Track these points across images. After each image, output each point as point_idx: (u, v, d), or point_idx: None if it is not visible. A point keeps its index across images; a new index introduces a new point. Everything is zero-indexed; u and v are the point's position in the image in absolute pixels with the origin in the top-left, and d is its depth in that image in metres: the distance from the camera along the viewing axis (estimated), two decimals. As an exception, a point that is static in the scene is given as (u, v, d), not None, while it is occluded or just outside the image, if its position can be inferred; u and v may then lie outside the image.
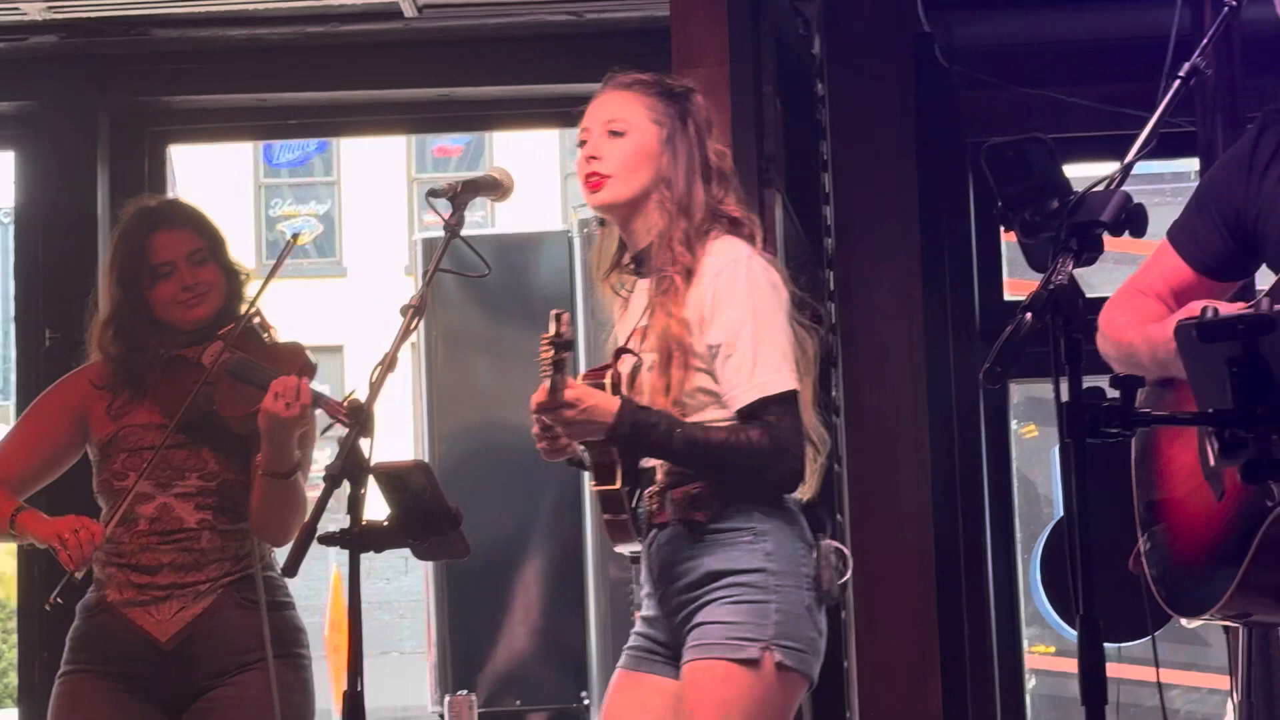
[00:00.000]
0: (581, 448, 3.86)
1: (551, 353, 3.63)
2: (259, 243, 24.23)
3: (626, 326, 3.93)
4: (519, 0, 6.06)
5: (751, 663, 3.71)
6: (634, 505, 3.84)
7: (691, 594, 3.77)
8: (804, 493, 3.89)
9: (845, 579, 3.88)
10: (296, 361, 4.36)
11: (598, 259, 4.05)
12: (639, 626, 3.93)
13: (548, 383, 3.64)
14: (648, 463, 3.83)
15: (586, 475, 4.00)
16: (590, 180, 3.87)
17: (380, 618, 19.97)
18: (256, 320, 4.49)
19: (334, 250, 24.55)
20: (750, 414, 3.74)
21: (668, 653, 3.85)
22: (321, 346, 23.29)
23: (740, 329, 3.76)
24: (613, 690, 3.92)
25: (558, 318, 3.62)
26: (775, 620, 3.73)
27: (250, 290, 4.59)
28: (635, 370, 3.81)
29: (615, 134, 3.89)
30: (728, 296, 3.78)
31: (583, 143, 3.91)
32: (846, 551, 3.89)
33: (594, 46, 6.12)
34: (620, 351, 3.89)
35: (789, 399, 3.77)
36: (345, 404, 3.88)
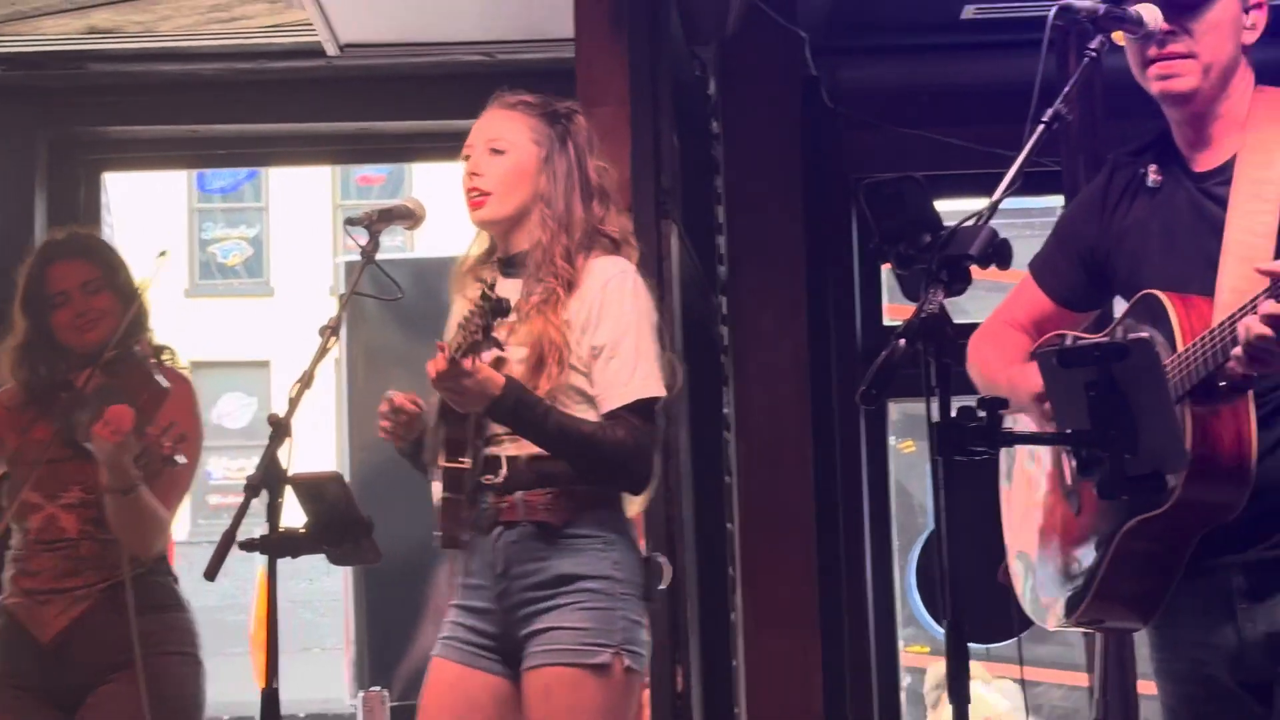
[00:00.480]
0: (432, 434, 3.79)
1: (482, 319, 3.52)
2: (192, 264, 24.06)
3: None
4: (435, 42, 6.03)
5: (603, 667, 3.67)
6: (474, 494, 3.74)
7: (539, 594, 3.70)
8: (641, 504, 3.87)
9: (663, 588, 3.87)
10: (144, 390, 4.38)
11: (465, 257, 3.99)
12: (460, 618, 3.79)
13: (443, 354, 3.55)
14: (496, 450, 3.75)
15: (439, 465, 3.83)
16: (472, 197, 3.84)
17: (303, 616, 19.77)
18: (137, 348, 4.56)
19: (262, 271, 24.40)
20: (619, 415, 3.72)
21: (497, 647, 3.75)
22: (250, 361, 23.19)
23: (624, 336, 3.74)
24: (437, 684, 3.80)
25: (491, 286, 3.58)
26: (621, 627, 3.70)
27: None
28: (499, 364, 3.71)
29: (496, 152, 3.85)
30: (615, 305, 3.76)
31: (467, 157, 3.88)
32: (667, 565, 3.87)
33: (506, 85, 6.05)
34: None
35: (655, 407, 3.76)
36: (164, 432, 4.12)
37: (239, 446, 22.63)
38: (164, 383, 4.43)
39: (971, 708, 2.58)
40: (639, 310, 3.79)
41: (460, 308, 3.87)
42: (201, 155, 7.13)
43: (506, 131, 3.88)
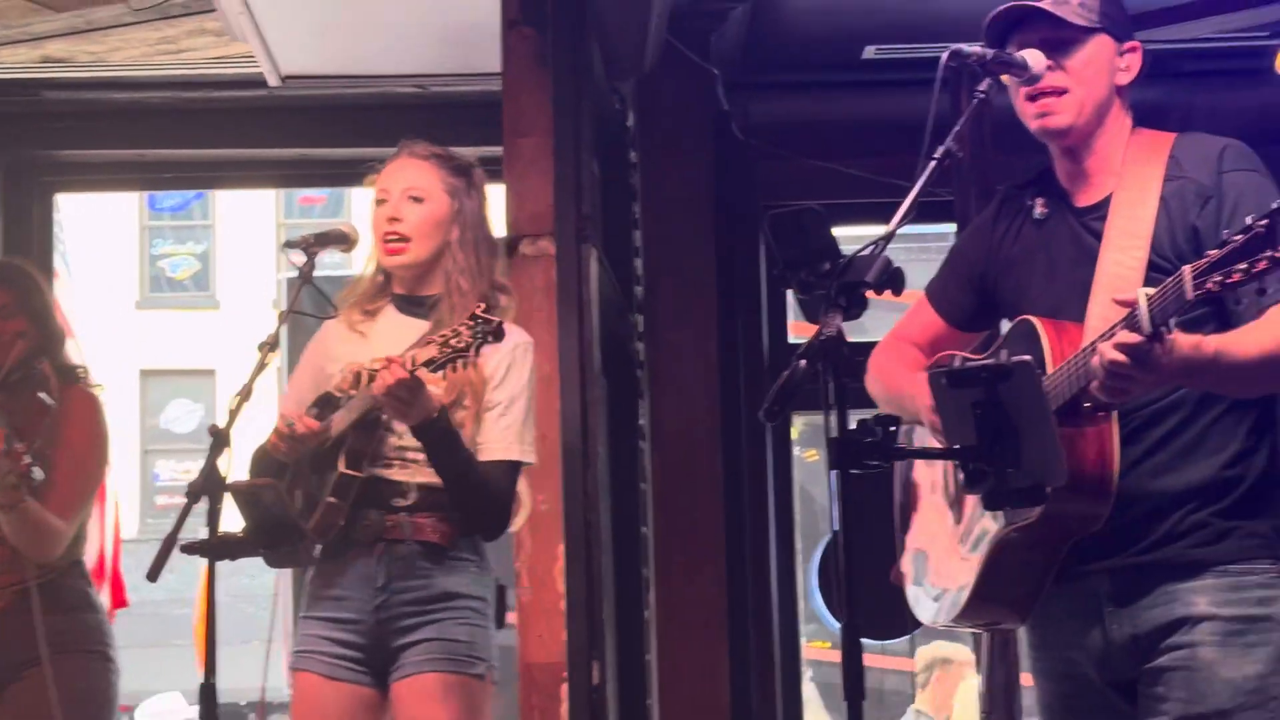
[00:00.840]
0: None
1: (473, 338, 3.49)
2: (142, 278, 23.90)
3: (370, 353, 3.78)
4: (370, 75, 6.02)
5: (479, 677, 3.71)
6: (355, 505, 3.72)
7: (421, 608, 3.70)
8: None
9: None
10: (30, 410, 4.45)
11: (352, 289, 3.95)
12: (323, 630, 3.76)
13: (394, 366, 3.53)
14: (382, 473, 3.75)
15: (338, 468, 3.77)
16: (390, 242, 3.83)
17: (244, 609, 19.65)
18: (39, 369, 4.59)
19: (209, 285, 24.25)
20: (500, 466, 3.76)
21: (365, 658, 3.74)
22: (197, 370, 23.02)
23: (519, 398, 3.79)
24: (305, 698, 3.78)
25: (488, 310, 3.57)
26: (489, 642, 3.75)
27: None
28: None
29: (415, 200, 3.84)
30: (518, 370, 3.81)
31: (381, 201, 3.86)
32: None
33: (437, 116, 6.10)
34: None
35: (520, 470, 3.82)
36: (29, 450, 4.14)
37: (185, 450, 22.50)
38: (48, 400, 4.47)
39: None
40: (531, 384, 3.85)
41: (340, 335, 3.86)
42: (150, 178, 7.09)
43: (422, 181, 3.87)
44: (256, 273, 22.95)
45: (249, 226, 23.52)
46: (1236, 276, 2.55)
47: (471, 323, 3.49)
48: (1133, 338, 2.69)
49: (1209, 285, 2.57)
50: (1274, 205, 2.56)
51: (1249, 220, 2.56)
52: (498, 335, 3.50)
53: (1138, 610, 2.96)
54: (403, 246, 3.82)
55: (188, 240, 24.49)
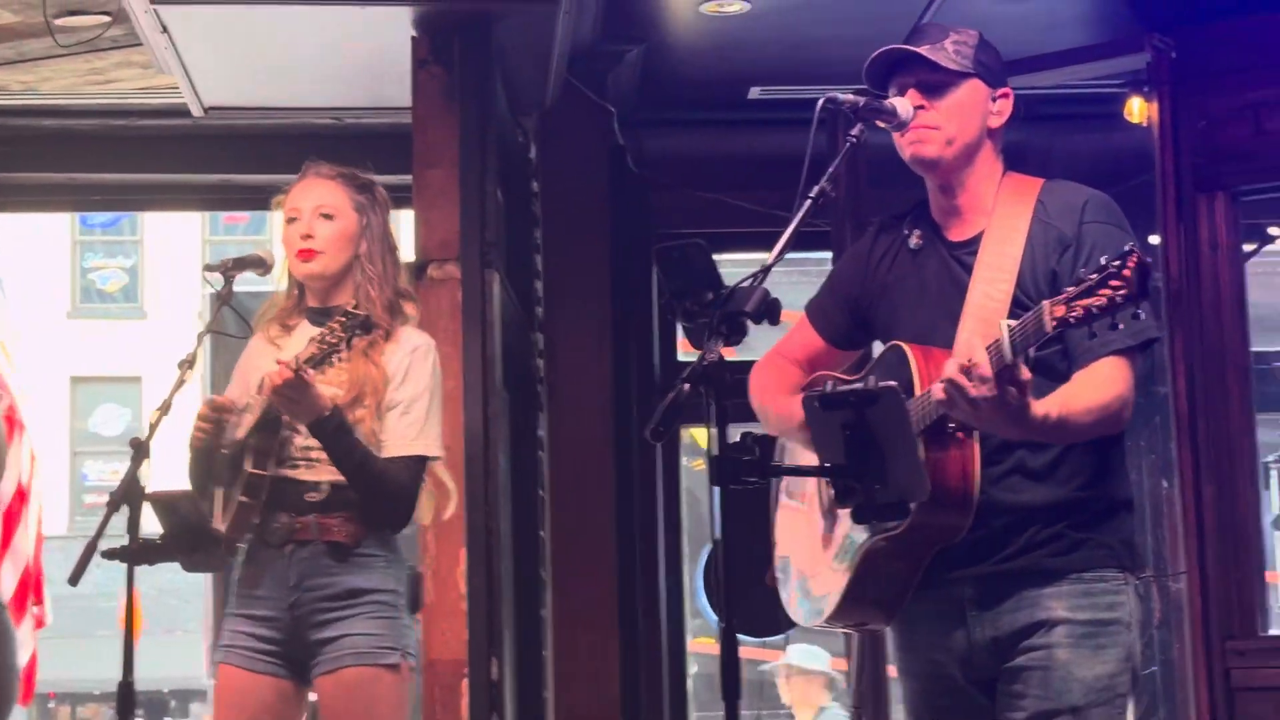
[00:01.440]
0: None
1: (345, 332, 3.50)
2: (74, 290, 23.60)
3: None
4: (289, 107, 5.97)
5: (394, 667, 3.68)
6: (267, 504, 3.68)
7: (332, 604, 3.67)
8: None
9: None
10: None
11: (270, 304, 3.92)
12: (244, 626, 3.72)
13: (279, 368, 3.50)
14: (289, 473, 3.71)
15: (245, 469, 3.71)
16: (302, 253, 3.79)
17: (168, 602, 19.46)
18: None
19: (137, 297, 23.97)
20: (402, 461, 3.72)
21: (283, 652, 3.71)
22: (124, 376, 22.75)
23: (420, 398, 3.75)
24: (228, 689, 3.74)
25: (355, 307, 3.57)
26: (404, 633, 3.72)
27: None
28: None
29: (326, 217, 3.81)
30: (418, 370, 3.76)
31: (292, 219, 3.83)
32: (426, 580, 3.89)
33: (352, 145, 5.98)
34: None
35: (427, 465, 3.79)
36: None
37: (113, 452, 22.21)
38: None
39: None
40: (435, 381, 3.80)
41: (260, 348, 3.84)
42: (80, 200, 7.01)
43: (332, 199, 3.83)
44: (182, 286, 22.70)
45: (175, 243, 23.28)
46: (1082, 311, 2.59)
47: (343, 319, 3.51)
48: (984, 365, 2.71)
49: (1068, 317, 2.60)
50: (1126, 247, 2.60)
51: (1103, 260, 2.60)
52: (365, 327, 3.53)
53: (999, 614, 2.99)
54: (314, 254, 3.78)
55: (117, 254, 24.21)
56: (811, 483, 3.19)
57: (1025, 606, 2.96)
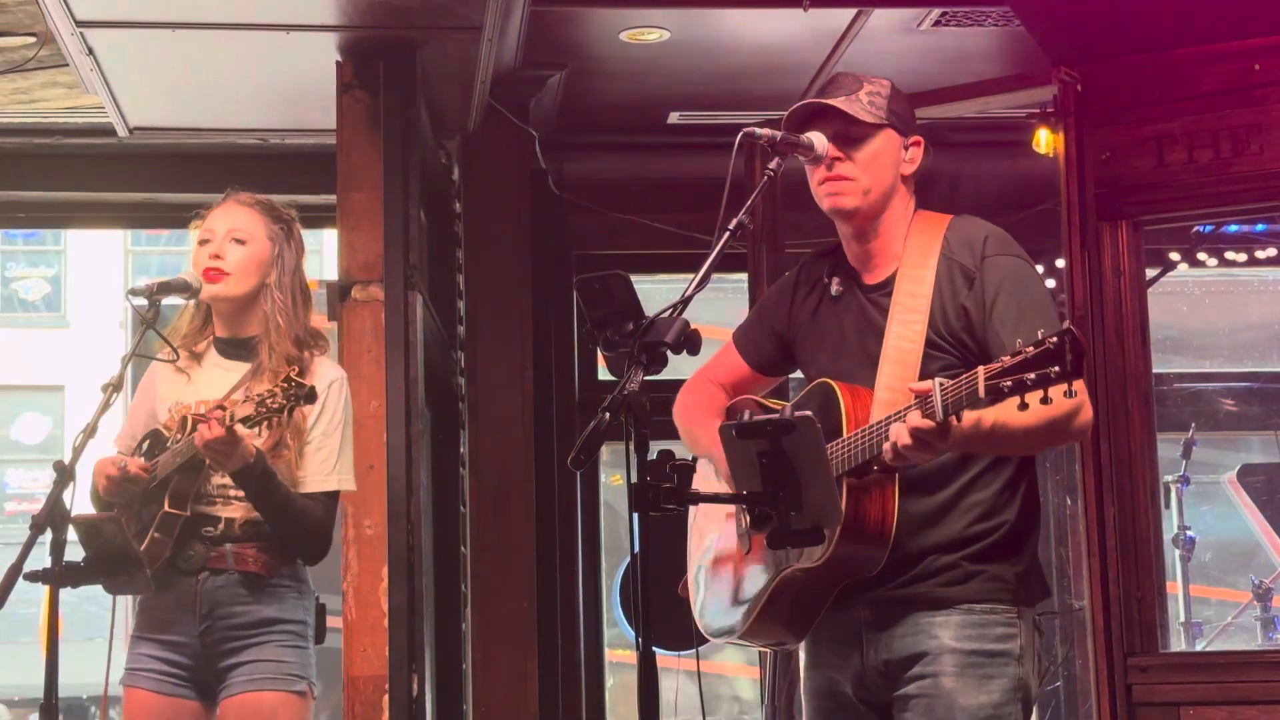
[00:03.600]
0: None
1: (287, 400, 3.44)
2: (-5, 298, 23.34)
3: (195, 395, 3.76)
4: (214, 128, 5.94)
5: (301, 694, 3.68)
6: (179, 540, 3.64)
7: (244, 632, 3.65)
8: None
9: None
10: None
11: (174, 328, 3.87)
12: (152, 650, 3.70)
13: (211, 422, 3.46)
14: (205, 510, 3.67)
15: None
16: (209, 273, 3.75)
17: (88, 609, 19.21)
18: None
19: (60, 306, 23.68)
20: (317, 498, 3.70)
21: (192, 677, 3.69)
22: (46, 385, 22.47)
23: (333, 433, 3.73)
24: (138, 711, 3.72)
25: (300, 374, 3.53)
26: (310, 661, 3.71)
27: None
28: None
29: (238, 241, 3.77)
30: (331, 405, 3.74)
31: (205, 241, 3.79)
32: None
33: (277, 165, 6.04)
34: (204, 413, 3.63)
35: (340, 498, 3.78)
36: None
37: (34, 460, 21.95)
38: None
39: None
40: (348, 415, 3.78)
41: (167, 376, 3.79)
42: (4, 217, 6.92)
43: (246, 225, 3.79)
44: (104, 296, 22.47)
45: (98, 253, 23.04)
46: (1012, 383, 2.62)
47: (285, 385, 3.46)
48: (925, 423, 2.75)
49: (1000, 386, 2.64)
50: (1065, 326, 2.64)
51: (1040, 334, 2.63)
52: (309, 398, 3.47)
53: (891, 637, 3.01)
54: (222, 275, 3.75)
55: (40, 264, 23.92)
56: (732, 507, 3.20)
57: (915, 633, 2.99)
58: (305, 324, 3.80)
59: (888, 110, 3.08)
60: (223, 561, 3.65)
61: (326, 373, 3.76)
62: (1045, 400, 2.64)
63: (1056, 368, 2.59)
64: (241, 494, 3.63)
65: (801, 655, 3.21)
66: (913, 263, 3.06)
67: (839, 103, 3.05)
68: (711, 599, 3.25)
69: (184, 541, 3.65)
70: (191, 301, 3.84)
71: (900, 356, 2.99)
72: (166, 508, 3.63)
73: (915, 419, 2.76)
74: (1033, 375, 2.61)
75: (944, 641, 2.97)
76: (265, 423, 3.49)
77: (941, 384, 2.74)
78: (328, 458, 3.72)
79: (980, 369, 2.68)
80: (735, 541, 3.18)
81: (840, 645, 3.07)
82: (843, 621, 3.04)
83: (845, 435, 2.93)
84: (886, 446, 2.81)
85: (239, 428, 3.48)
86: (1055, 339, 2.61)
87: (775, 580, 3.02)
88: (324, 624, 3.81)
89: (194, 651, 3.67)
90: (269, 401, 3.45)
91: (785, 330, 3.24)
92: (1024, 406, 2.66)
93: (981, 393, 2.67)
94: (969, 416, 2.78)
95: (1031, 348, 2.63)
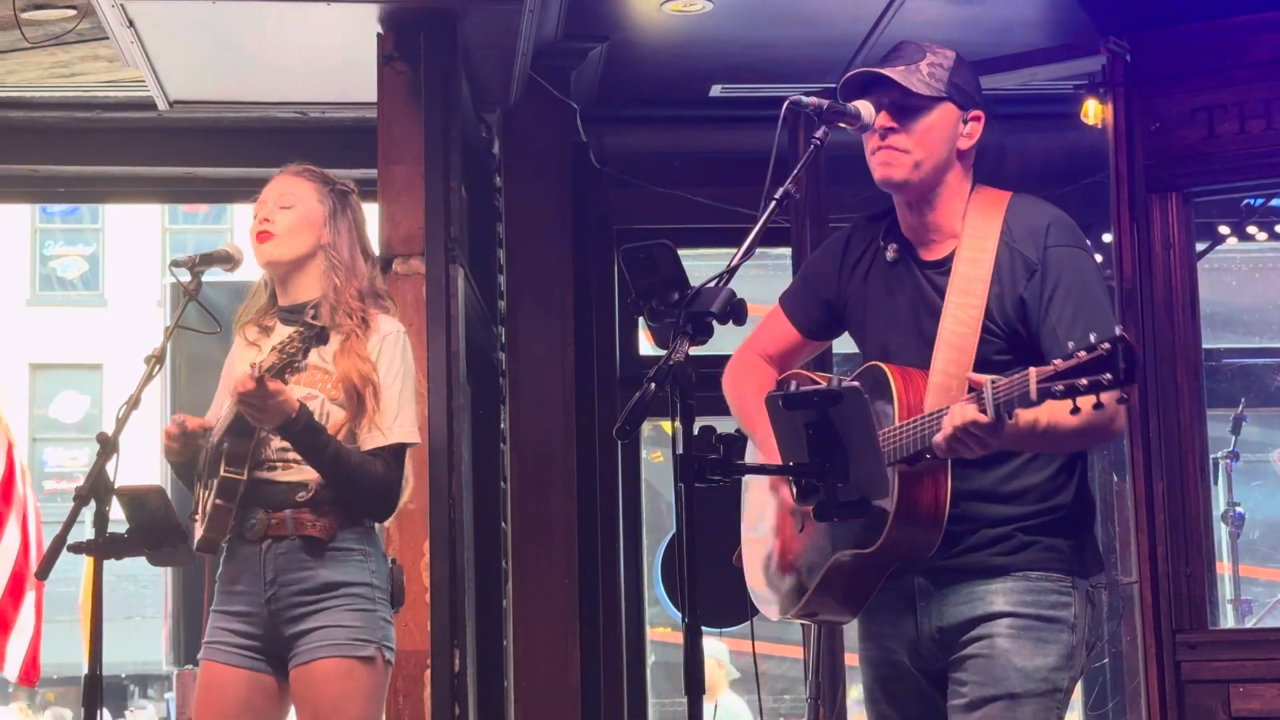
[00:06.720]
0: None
1: (302, 343, 3.50)
2: (33, 277, 23.44)
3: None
4: (254, 101, 5.94)
5: (369, 659, 3.66)
6: (242, 505, 3.65)
7: (307, 598, 3.65)
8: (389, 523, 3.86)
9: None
10: None
11: (246, 307, 3.89)
12: (224, 623, 3.72)
13: (245, 377, 3.48)
14: (267, 475, 3.69)
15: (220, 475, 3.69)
16: (260, 235, 3.77)
17: (127, 588, 19.34)
18: None
19: (98, 285, 23.79)
20: (378, 453, 3.70)
21: (262, 647, 3.70)
22: (85, 364, 22.60)
23: (391, 386, 3.72)
24: (209, 684, 3.72)
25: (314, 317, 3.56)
26: (380, 625, 3.70)
27: None
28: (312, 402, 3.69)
29: (285, 207, 3.79)
30: (388, 358, 3.74)
31: (257, 214, 3.81)
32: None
33: (316, 140, 6.04)
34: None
35: (406, 452, 3.77)
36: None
37: (73, 439, 22.10)
38: None
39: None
40: (406, 368, 3.77)
41: (241, 350, 3.82)
42: (43, 192, 6.97)
43: (295, 191, 3.82)
44: (142, 274, 22.59)
45: (136, 231, 23.14)
46: (1064, 387, 2.62)
47: (301, 329, 3.52)
48: (980, 417, 2.75)
49: (1051, 389, 2.63)
50: (1117, 331, 2.62)
51: (1093, 339, 2.62)
52: (320, 339, 3.53)
53: (945, 605, 3.02)
54: (270, 236, 3.76)
55: (78, 242, 24.04)
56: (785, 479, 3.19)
57: (971, 600, 3.00)
58: (369, 282, 3.80)
59: (948, 83, 3.04)
60: (284, 528, 3.66)
61: (383, 326, 3.76)
62: (1098, 406, 2.64)
63: (1109, 375, 2.59)
64: (300, 458, 3.64)
65: (857, 627, 3.21)
66: (972, 244, 3.04)
67: (893, 73, 3.02)
68: (764, 575, 3.25)
69: (248, 509, 3.65)
70: (260, 279, 3.87)
71: (956, 341, 2.98)
72: (223, 472, 3.63)
73: (971, 413, 2.76)
74: (1085, 381, 2.61)
75: (999, 605, 2.98)
76: (289, 368, 3.51)
77: (994, 382, 2.74)
78: (387, 409, 3.70)
79: (1032, 371, 2.68)
80: (789, 517, 3.18)
81: (894, 615, 3.08)
82: (896, 591, 3.06)
83: (896, 422, 2.93)
84: (939, 438, 2.81)
85: (276, 382, 3.49)
86: (1108, 345, 2.60)
87: (829, 564, 3.03)
88: (402, 587, 3.79)
89: (262, 621, 3.68)
90: (287, 348, 3.49)
91: (834, 296, 3.22)
92: (1076, 411, 2.65)
93: (1034, 396, 2.67)
94: (1025, 416, 2.79)
95: (1084, 352, 2.62)
